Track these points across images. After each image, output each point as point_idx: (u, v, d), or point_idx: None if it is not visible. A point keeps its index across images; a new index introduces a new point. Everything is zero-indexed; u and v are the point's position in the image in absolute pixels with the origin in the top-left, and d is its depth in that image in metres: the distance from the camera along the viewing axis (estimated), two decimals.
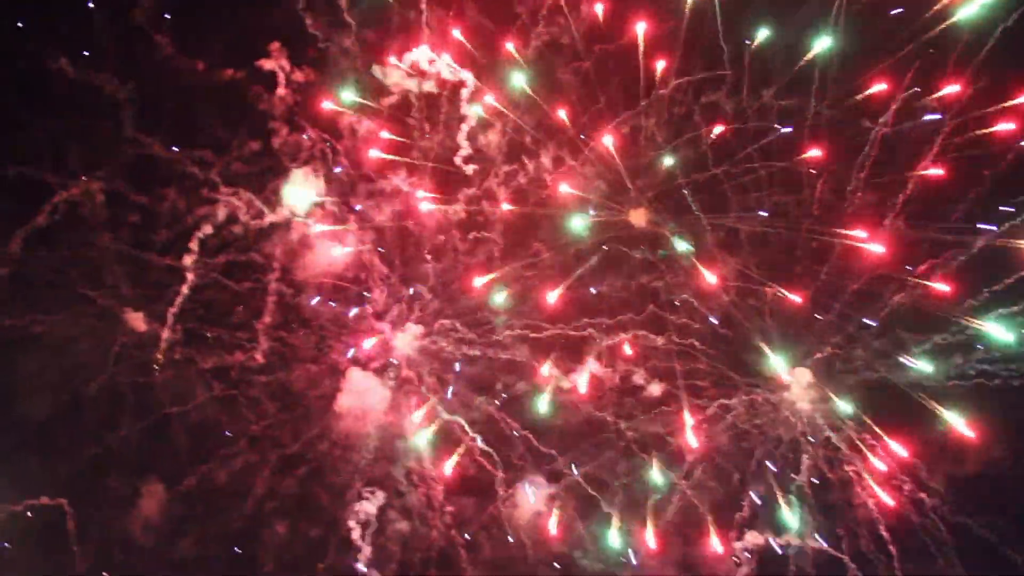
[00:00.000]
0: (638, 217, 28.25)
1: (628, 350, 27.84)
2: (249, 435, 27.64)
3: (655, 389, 27.98)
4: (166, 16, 26.56)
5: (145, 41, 26.21)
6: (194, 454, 27.52)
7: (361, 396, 27.09)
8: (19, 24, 27.03)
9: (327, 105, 27.30)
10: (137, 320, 27.19)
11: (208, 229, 26.55)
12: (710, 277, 27.01)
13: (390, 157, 27.62)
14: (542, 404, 27.55)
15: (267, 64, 26.68)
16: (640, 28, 26.49)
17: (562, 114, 27.58)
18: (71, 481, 27.09)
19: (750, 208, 27.25)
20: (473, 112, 27.35)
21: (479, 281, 27.66)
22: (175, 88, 26.39)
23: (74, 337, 26.99)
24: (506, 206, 27.89)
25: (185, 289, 26.77)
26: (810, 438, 27.59)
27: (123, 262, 27.07)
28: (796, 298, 26.98)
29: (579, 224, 28.12)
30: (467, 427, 27.32)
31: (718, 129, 27.13)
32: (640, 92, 27.86)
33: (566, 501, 27.80)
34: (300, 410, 27.77)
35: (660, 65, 27.02)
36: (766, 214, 27.29)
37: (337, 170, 27.43)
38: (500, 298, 27.81)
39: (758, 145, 26.92)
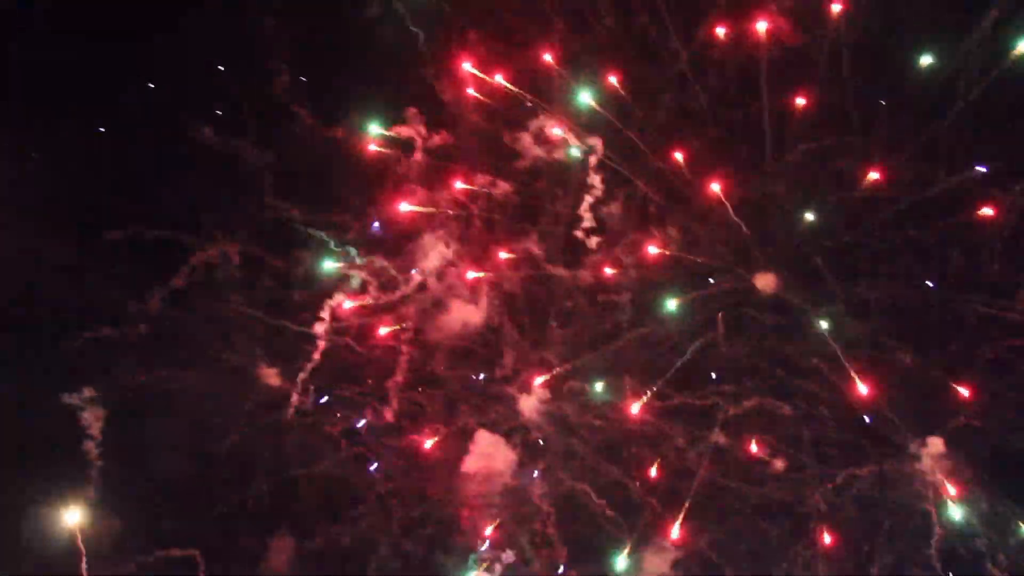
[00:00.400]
0: (765, 282, 28.13)
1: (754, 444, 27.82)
2: (376, 494, 27.92)
3: (781, 457, 27.85)
4: (303, 79, 27.24)
5: (284, 111, 26.86)
6: (322, 512, 27.84)
7: (488, 459, 27.23)
8: (150, 85, 27.86)
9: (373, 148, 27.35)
10: (271, 376, 27.62)
11: (341, 297, 26.99)
12: (861, 387, 26.57)
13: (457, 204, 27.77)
14: (620, 562, 27.36)
15: (404, 130, 27.19)
16: (761, 26, 25.85)
17: (679, 156, 27.61)
18: (202, 534, 27.44)
19: (892, 276, 27.02)
20: (598, 181, 27.54)
21: (539, 380, 27.65)
22: (314, 155, 26.97)
23: (207, 395, 27.43)
24: (610, 271, 27.95)
25: (317, 356, 27.14)
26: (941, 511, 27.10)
27: (257, 324, 27.56)
28: (964, 391, 26.48)
29: (701, 291, 28.18)
30: (593, 495, 27.31)
31: (872, 176, 26.75)
32: (766, 155, 28.03)
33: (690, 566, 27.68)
34: (427, 471, 27.98)
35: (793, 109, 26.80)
36: (932, 285, 26.95)
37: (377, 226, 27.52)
38: (599, 387, 27.99)
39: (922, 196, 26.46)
